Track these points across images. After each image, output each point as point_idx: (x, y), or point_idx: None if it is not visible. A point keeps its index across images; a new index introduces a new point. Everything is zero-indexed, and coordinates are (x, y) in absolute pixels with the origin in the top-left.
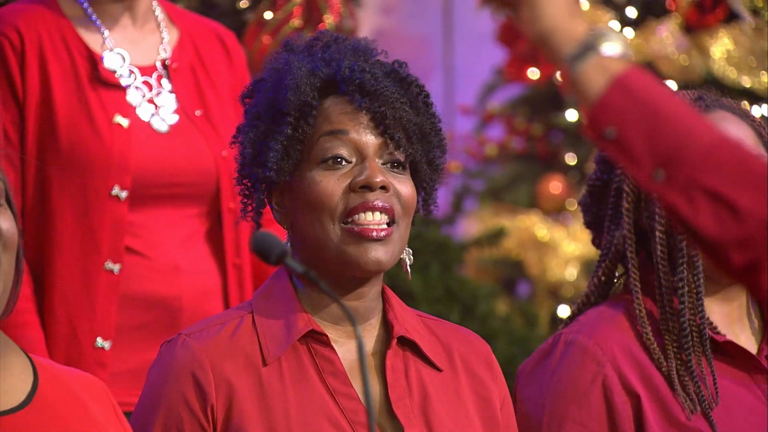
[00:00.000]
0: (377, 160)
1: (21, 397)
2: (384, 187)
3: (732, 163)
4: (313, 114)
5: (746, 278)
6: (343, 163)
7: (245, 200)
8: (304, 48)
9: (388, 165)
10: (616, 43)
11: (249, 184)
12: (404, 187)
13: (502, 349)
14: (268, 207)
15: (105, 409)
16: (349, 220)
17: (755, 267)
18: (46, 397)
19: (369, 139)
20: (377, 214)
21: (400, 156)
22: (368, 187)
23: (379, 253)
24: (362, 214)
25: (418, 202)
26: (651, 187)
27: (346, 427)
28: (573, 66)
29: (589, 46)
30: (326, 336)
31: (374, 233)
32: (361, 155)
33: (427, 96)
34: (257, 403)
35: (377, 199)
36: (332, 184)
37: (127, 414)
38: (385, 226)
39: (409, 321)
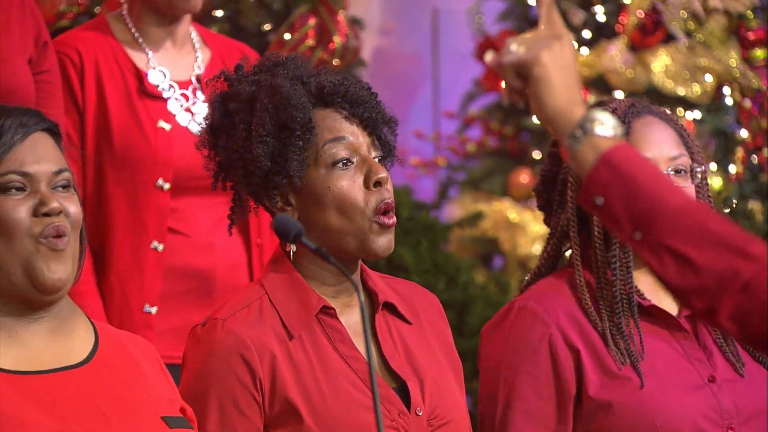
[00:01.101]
0: (372, 155)
1: (84, 354)
2: (387, 178)
3: (692, 225)
4: (312, 126)
5: (708, 319)
6: (349, 164)
7: (238, 201)
8: (262, 69)
9: (378, 158)
10: (606, 126)
11: (263, 187)
12: (387, 174)
13: (480, 311)
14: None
15: (153, 366)
16: (379, 215)
17: (713, 311)
18: (105, 355)
19: (362, 141)
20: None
21: (380, 152)
22: (380, 182)
23: (391, 241)
24: (385, 210)
25: None
26: (631, 244)
27: (361, 385)
28: (571, 145)
29: (582, 129)
30: (334, 309)
31: (390, 224)
32: (359, 153)
33: (371, 88)
34: (291, 372)
35: (390, 196)
36: (352, 186)
37: (170, 365)
38: (394, 219)
39: (381, 286)
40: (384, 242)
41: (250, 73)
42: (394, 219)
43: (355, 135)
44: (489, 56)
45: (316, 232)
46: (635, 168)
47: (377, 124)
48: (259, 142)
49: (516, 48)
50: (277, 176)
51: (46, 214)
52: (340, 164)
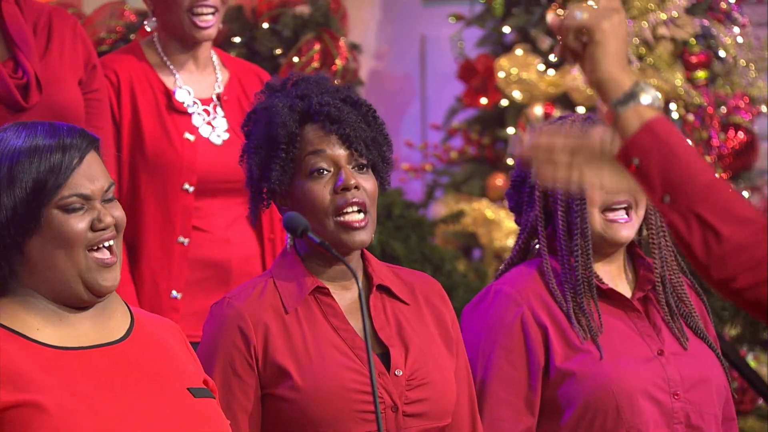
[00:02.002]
0: (348, 167)
1: (122, 333)
2: (356, 186)
3: (721, 200)
4: (297, 140)
5: (723, 289)
6: (324, 172)
7: (254, 202)
8: (280, 87)
9: (356, 168)
10: (651, 96)
11: (258, 193)
12: (368, 183)
13: (462, 295)
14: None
15: (179, 344)
16: (339, 215)
17: (730, 280)
18: (138, 334)
19: (340, 153)
20: (355, 209)
21: (362, 161)
22: (346, 188)
23: (362, 236)
24: (348, 210)
25: (378, 187)
26: (659, 206)
27: (348, 351)
28: (617, 110)
29: (631, 96)
30: (327, 289)
31: (357, 224)
32: (337, 165)
33: (374, 112)
34: (284, 340)
35: (354, 196)
36: (321, 191)
37: (193, 343)
38: (362, 217)
39: (383, 272)
40: (349, 239)
41: (271, 90)
42: (359, 216)
43: (332, 148)
44: (550, 17)
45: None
46: (673, 139)
47: (356, 139)
48: (253, 153)
49: (581, 14)
50: (263, 182)
51: (101, 228)
52: (316, 173)
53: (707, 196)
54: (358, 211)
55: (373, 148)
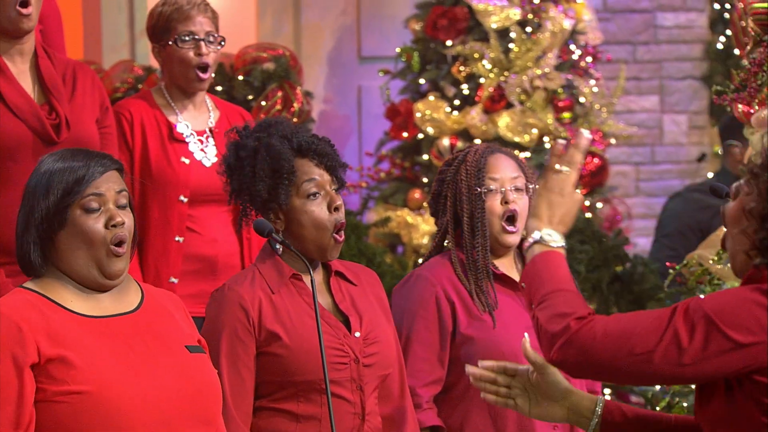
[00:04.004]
0: (332, 189)
1: (134, 305)
2: (341, 205)
3: (550, 305)
4: (294, 171)
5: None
6: (317, 196)
7: (243, 212)
8: (262, 129)
9: (335, 189)
10: (552, 239)
11: (250, 207)
12: (342, 201)
13: (388, 281)
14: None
15: (179, 312)
16: (338, 233)
17: (556, 362)
18: (149, 305)
19: (326, 179)
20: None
21: (337, 184)
22: (337, 208)
23: (338, 251)
24: (340, 229)
25: None
26: (532, 311)
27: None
28: (530, 247)
29: (538, 239)
30: (300, 275)
31: (341, 241)
32: (324, 188)
33: (332, 144)
34: (273, 313)
35: (342, 218)
36: (321, 211)
37: None
38: (342, 237)
39: (336, 263)
40: (335, 253)
41: (253, 131)
42: (343, 236)
43: (321, 176)
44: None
45: (292, 239)
46: (545, 267)
47: (335, 167)
48: (260, 181)
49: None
50: (271, 203)
51: (114, 226)
52: (312, 196)
53: (542, 305)
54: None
55: (342, 174)
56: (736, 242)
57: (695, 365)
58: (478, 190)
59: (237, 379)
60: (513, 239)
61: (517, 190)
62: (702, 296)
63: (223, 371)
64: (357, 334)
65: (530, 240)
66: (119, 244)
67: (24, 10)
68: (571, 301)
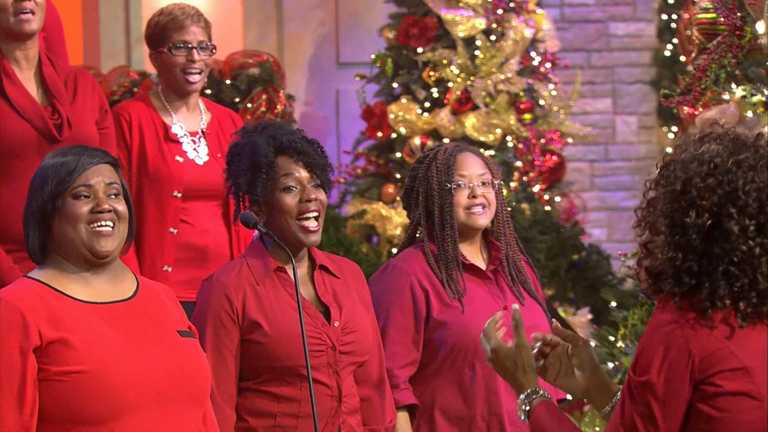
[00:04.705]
0: (309, 185)
1: (130, 293)
2: (315, 198)
3: None
4: (274, 167)
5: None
6: (293, 189)
7: (237, 206)
8: (254, 129)
9: (314, 186)
10: (538, 396)
11: (241, 200)
12: (321, 195)
13: (364, 269)
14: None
15: (171, 301)
16: (300, 219)
17: None
18: (143, 294)
19: (304, 175)
20: (314, 215)
21: (317, 181)
22: (308, 200)
23: (315, 237)
24: (308, 215)
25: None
26: None
27: (297, 307)
28: (528, 401)
29: (532, 395)
30: (285, 268)
31: (311, 229)
32: (301, 183)
33: (322, 148)
34: (256, 303)
35: (313, 205)
36: (291, 202)
37: (180, 302)
38: (316, 224)
39: (322, 256)
40: (306, 239)
41: (247, 131)
42: (315, 223)
43: (299, 172)
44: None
45: (274, 228)
46: (546, 419)
47: (314, 165)
48: (242, 174)
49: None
50: (252, 195)
51: (99, 211)
52: (288, 189)
53: None
54: (315, 218)
55: (322, 171)
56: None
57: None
58: (448, 185)
59: (221, 363)
60: (482, 221)
61: (484, 185)
62: (629, 370)
63: (207, 355)
64: (336, 324)
65: (524, 405)
66: (109, 225)
67: (24, 16)
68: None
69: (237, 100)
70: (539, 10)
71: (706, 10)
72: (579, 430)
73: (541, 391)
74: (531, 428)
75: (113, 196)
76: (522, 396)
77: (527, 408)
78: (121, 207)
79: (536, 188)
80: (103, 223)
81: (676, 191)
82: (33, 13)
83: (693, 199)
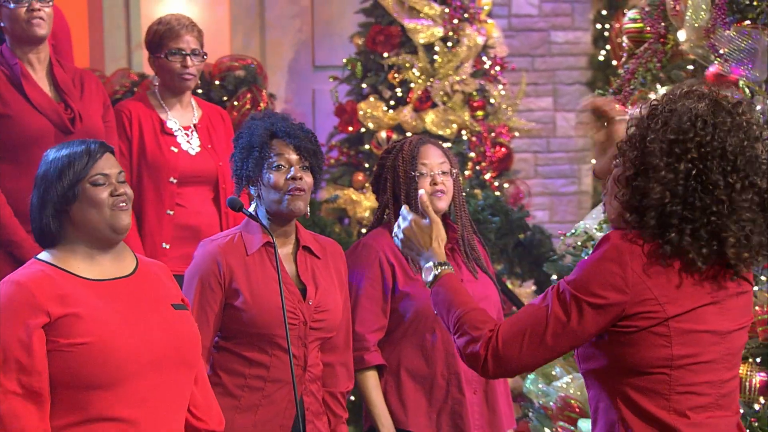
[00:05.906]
0: (297, 166)
1: (130, 270)
2: (301, 178)
3: (461, 324)
4: (267, 148)
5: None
6: (282, 167)
7: (236, 185)
8: (258, 117)
9: (302, 168)
10: (449, 267)
11: (240, 180)
12: (308, 177)
13: None
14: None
15: (166, 277)
16: (288, 194)
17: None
18: (141, 271)
19: (293, 157)
20: (299, 194)
21: (306, 163)
22: (294, 178)
23: (299, 204)
24: (294, 193)
25: (314, 184)
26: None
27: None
28: (439, 267)
29: (444, 264)
30: (273, 243)
31: (297, 193)
32: (290, 164)
33: (316, 137)
34: (243, 272)
35: (299, 183)
36: (279, 179)
37: (176, 276)
38: (302, 194)
39: (307, 237)
40: (293, 205)
41: (253, 118)
42: (300, 194)
43: (289, 154)
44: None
45: (266, 203)
46: (446, 292)
47: (303, 149)
48: (238, 154)
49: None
50: (245, 171)
51: (117, 195)
52: (276, 167)
53: (456, 334)
54: (300, 192)
55: (312, 157)
56: (613, 208)
57: (579, 334)
58: (413, 173)
59: (203, 318)
60: (442, 204)
61: (443, 173)
62: (566, 277)
63: (193, 308)
64: (310, 302)
65: (427, 271)
66: (122, 204)
67: (35, 22)
68: (476, 321)
69: (225, 98)
70: (490, 20)
71: (634, 20)
72: (475, 305)
73: (450, 266)
74: (433, 292)
75: (122, 183)
76: (432, 262)
77: (437, 273)
78: (129, 190)
79: (487, 176)
80: (121, 204)
81: (668, 139)
82: (43, 20)
83: (686, 150)
